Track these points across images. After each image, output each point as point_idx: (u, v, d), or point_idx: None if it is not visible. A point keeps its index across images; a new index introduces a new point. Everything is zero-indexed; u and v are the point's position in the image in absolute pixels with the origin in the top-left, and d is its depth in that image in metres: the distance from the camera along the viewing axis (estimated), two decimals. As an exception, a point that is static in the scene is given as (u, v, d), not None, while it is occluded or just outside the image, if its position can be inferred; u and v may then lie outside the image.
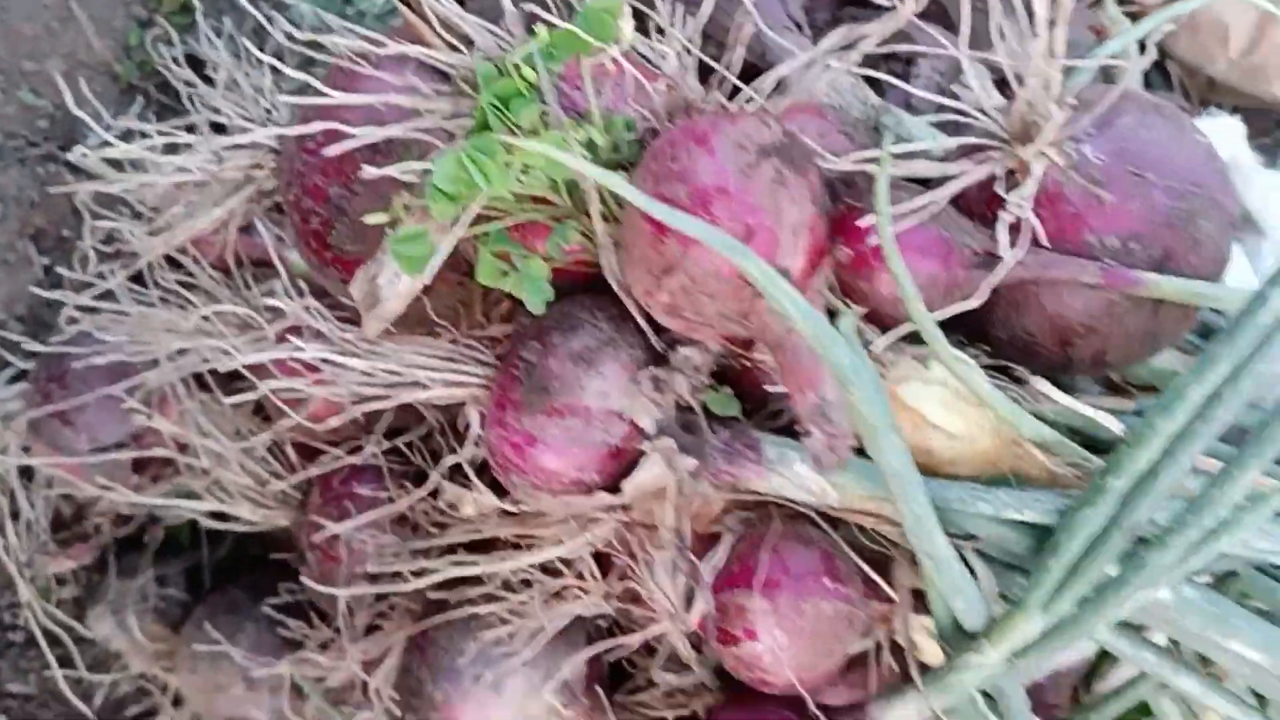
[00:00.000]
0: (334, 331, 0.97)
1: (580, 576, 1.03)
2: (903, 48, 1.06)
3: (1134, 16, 1.67)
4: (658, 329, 0.90)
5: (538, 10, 0.92)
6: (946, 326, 0.84)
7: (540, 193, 0.86)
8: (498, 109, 0.84)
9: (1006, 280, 0.87)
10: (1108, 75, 1.20)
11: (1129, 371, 1.06)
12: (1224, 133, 1.60)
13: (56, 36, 1.66)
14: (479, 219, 0.88)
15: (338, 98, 0.89)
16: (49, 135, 1.66)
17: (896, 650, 1.12)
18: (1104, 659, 1.26)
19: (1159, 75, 1.91)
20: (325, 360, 0.94)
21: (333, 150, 0.87)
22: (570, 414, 0.86)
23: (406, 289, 0.93)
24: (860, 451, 0.91)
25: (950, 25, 0.93)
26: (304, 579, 1.25)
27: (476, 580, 1.07)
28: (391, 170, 0.84)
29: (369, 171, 0.84)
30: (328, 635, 1.33)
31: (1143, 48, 0.92)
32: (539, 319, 0.91)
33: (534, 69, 0.85)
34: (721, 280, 0.78)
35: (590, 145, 0.85)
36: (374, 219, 0.91)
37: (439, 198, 0.83)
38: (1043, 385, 0.85)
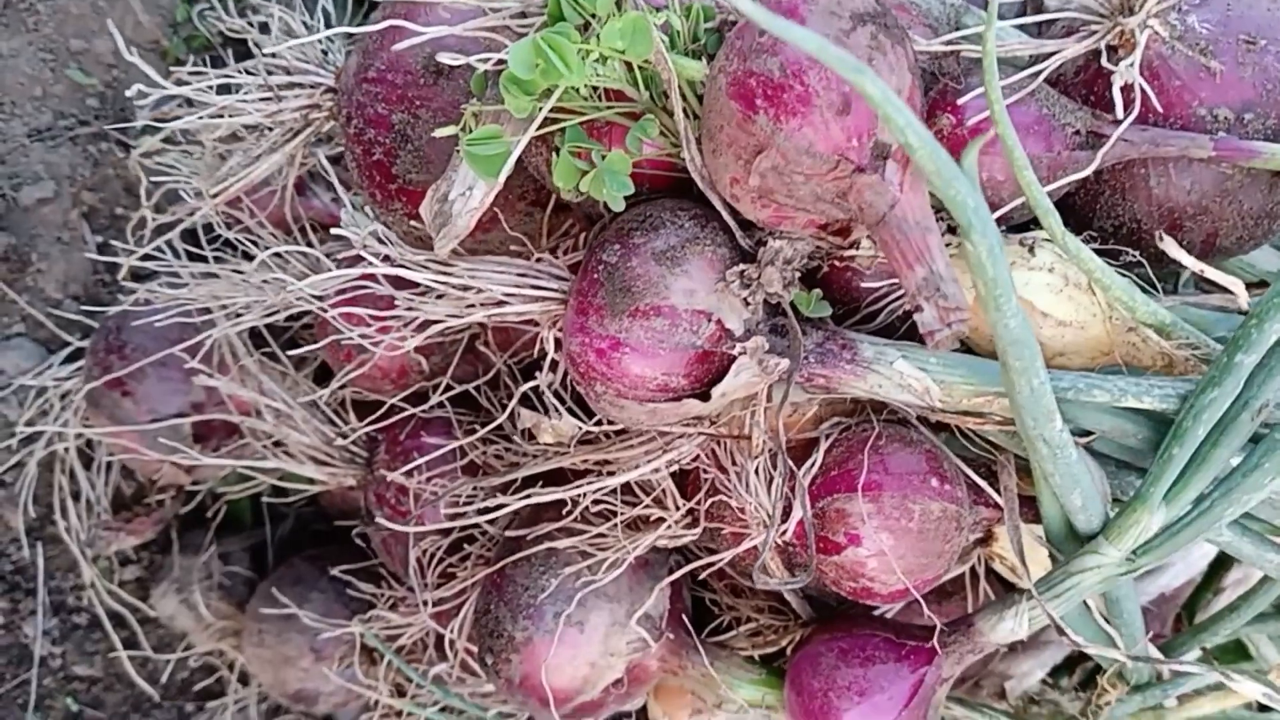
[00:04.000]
0: (405, 254, 0.94)
1: (660, 502, 0.99)
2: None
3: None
4: (744, 227, 0.86)
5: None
6: (1050, 215, 0.80)
7: (616, 86, 0.83)
8: (572, -2, 0.81)
9: (1113, 159, 0.83)
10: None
11: (1230, 272, 1.01)
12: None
13: (104, 15, 1.65)
14: (549, 123, 0.85)
15: (405, -1, 0.87)
16: (99, 114, 1.65)
17: (990, 577, 1.08)
18: (1207, 587, 1.21)
19: None
20: (399, 280, 0.90)
21: (403, 45, 0.83)
22: (656, 315, 0.82)
23: (478, 203, 0.89)
24: (964, 350, 0.88)
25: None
26: (378, 529, 1.22)
27: (553, 516, 1.03)
28: (468, 60, 0.81)
29: (444, 58, 0.81)
30: (398, 595, 1.31)
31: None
32: (617, 222, 0.87)
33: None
34: (817, 156, 0.74)
35: (670, 31, 0.82)
36: (444, 131, 0.88)
37: (514, 89, 0.79)
38: (1171, 246, 0.80)
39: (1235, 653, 1.32)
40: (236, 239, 1.35)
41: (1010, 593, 0.92)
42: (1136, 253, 0.88)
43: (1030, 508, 0.89)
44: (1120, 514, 0.81)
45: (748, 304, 0.84)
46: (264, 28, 1.37)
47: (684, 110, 0.83)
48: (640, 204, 0.88)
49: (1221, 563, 1.22)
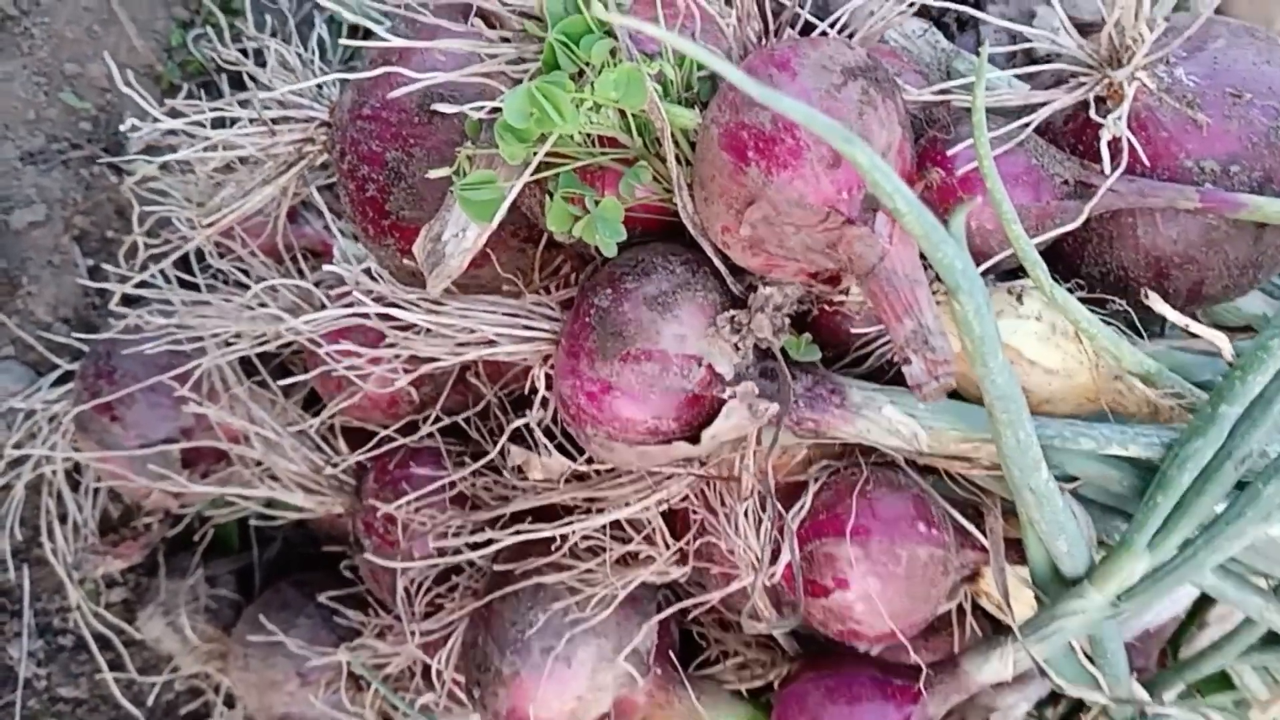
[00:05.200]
0: (396, 293, 0.94)
1: (649, 540, 1.00)
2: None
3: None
4: (734, 273, 0.87)
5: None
6: (1037, 264, 0.81)
7: (610, 133, 0.84)
8: (566, 46, 0.82)
9: (1101, 209, 0.84)
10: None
11: (1217, 316, 1.02)
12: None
13: (99, 39, 1.65)
14: (543, 167, 0.85)
15: (399, 43, 0.87)
16: (92, 138, 1.65)
17: (977, 613, 1.08)
18: (1191, 622, 1.22)
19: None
20: (391, 318, 0.91)
21: (399, 93, 0.84)
22: (646, 359, 0.82)
23: (470, 244, 0.90)
24: (952, 395, 0.88)
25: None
26: (365, 559, 1.23)
27: (542, 551, 1.04)
28: (462, 109, 0.82)
29: (440, 106, 0.82)
30: (385, 623, 1.31)
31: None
32: (609, 266, 0.88)
33: (604, 4, 0.82)
34: (807, 208, 0.75)
35: (663, 81, 0.83)
36: (438, 173, 0.89)
37: (509, 136, 0.80)
38: (1156, 301, 0.81)
39: (1220, 683, 1.33)
40: (229, 268, 1.35)
41: (996, 633, 0.93)
42: (1123, 300, 0.89)
43: (1016, 550, 0.90)
44: (1105, 559, 0.82)
45: (738, 349, 0.84)
46: (258, 55, 1.37)
47: (677, 158, 0.84)
48: (632, 248, 0.88)
49: (1206, 598, 1.23)
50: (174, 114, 1.19)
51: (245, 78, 1.32)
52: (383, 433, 1.23)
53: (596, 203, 0.85)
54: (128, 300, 1.46)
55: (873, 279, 0.74)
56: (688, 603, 0.98)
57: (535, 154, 0.82)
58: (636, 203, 0.86)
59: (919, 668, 0.94)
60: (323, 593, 1.43)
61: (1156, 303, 0.83)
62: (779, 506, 0.88)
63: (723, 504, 0.92)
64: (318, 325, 0.97)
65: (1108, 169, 0.83)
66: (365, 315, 0.93)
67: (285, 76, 1.25)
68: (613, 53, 0.82)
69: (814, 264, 0.80)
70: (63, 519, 1.53)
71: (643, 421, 0.84)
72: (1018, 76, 0.93)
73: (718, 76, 0.86)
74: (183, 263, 1.42)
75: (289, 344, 1.44)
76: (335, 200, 1.35)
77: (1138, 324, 0.91)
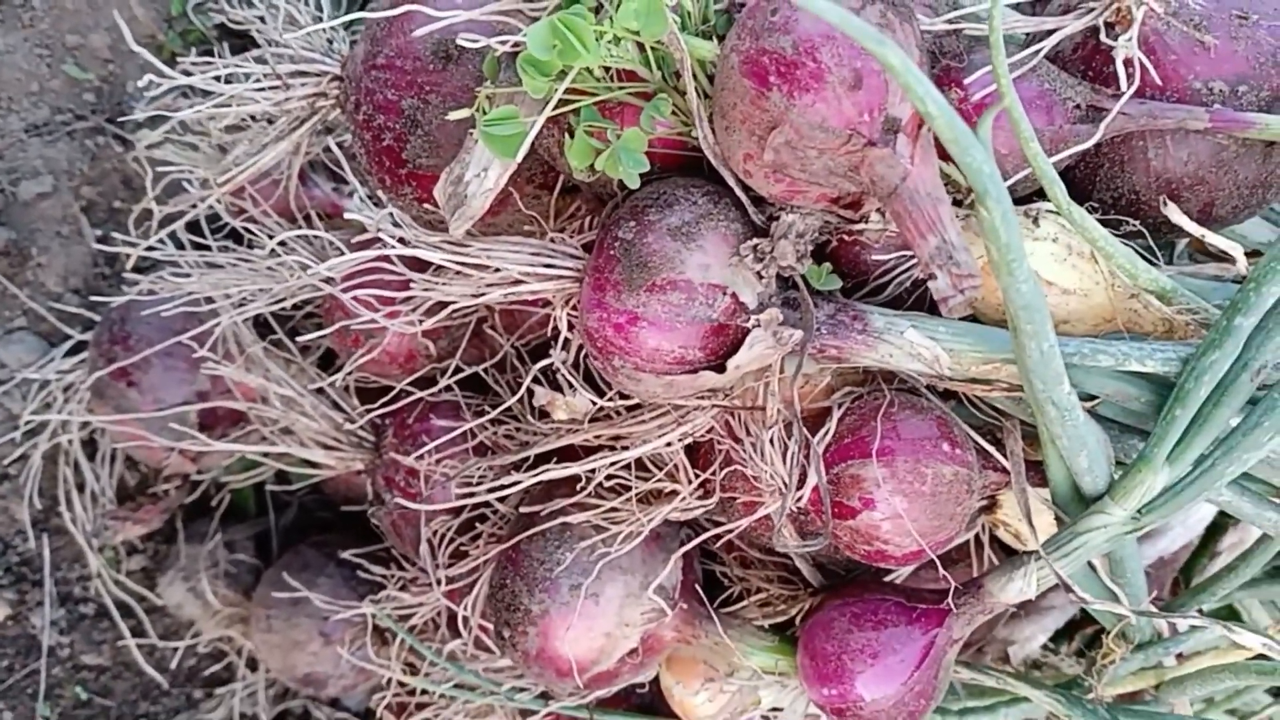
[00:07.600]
0: (419, 236, 0.95)
1: (673, 476, 1.01)
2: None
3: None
4: (755, 203, 0.89)
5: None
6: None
7: (629, 67, 0.85)
8: (586, -20, 0.83)
9: (1113, 131, 0.85)
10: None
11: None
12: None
13: (99, 9, 1.66)
14: (562, 105, 0.87)
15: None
16: (96, 108, 1.66)
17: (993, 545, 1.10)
18: (1203, 552, 1.24)
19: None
20: (414, 260, 0.92)
21: (421, 31, 0.85)
22: (672, 289, 0.84)
23: (492, 184, 0.91)
24: (971, 319, 0.90)
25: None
26: (396, 503, 1.24)
27: (567, 492, 1.05)
28: (488, 41, 0.83)
29: (464, 40, 0.83)
30: (408, 577, 1.32)
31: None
32: (631, 200, 0.89)
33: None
34: (830, 131, 0.76)
35: (681, 13, 0.84)
36: (458, 114, 0.90)
37: (531, 70, 0.81)
38: (1174, 212, 0.83)
39: (1228, 617, 1.35)
40: (241, 227, 1.36)
41: (1018, 555, 0.95)
42: (1136, 223, 0.91)
43: (1035, 472, 0.91)
44: (1125, 474, 0.84)
45: (761, 277, 0.86)
46: (261, 20, 1.38)
47: (696, 90, 0.85)
48: (653, 182, 0.90)
49: (1218, 527, 1.25)
50: (186, 74, 1.20)
51: (247, 41, 1.33)
52: (400, 387, 1.24)
53: (618, 135, 0.86)
54: (139, 268, 1.47)
55: (896, 199, 0.75)
56: (714, 532, 0.99)
57: (556, 89, 0.83)
58: (655, 137, 0.88)
59: (942, 593, 0.96)
60: (341, 553, 1.44)
61: (1174, 213, 0.84)
62: (805, 431, 0.90)
63: (748, 433, 0.93)
64: (344, 268, 0.98)
65: (1118, 91, 0.84)
66: (389, 258, 0.94)
67: (294, 32, 1.26)
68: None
69: (836, 188, 0.81)
70: (80, 488, 1.55)
71: (669, 351, 0.85)
72: (1022, 6, 0.95)
73: (733, 9, 0.87)
74: (193, 229, 1.43)
75: (302, 307, 1.45)
76: (349, 160, 1.36)
77: (1155, 248, 0.93)
